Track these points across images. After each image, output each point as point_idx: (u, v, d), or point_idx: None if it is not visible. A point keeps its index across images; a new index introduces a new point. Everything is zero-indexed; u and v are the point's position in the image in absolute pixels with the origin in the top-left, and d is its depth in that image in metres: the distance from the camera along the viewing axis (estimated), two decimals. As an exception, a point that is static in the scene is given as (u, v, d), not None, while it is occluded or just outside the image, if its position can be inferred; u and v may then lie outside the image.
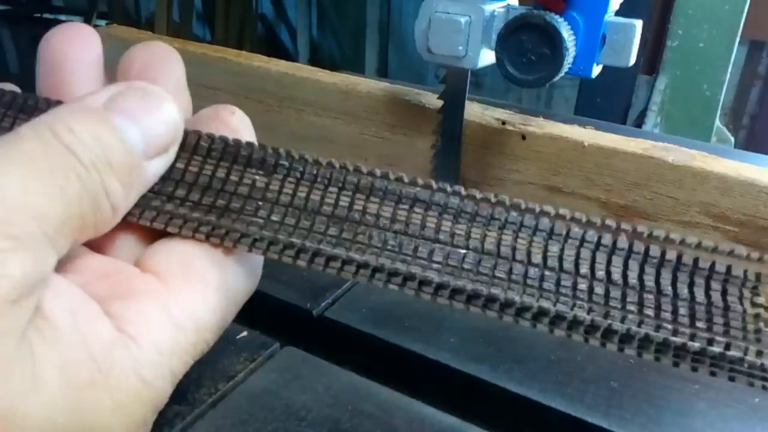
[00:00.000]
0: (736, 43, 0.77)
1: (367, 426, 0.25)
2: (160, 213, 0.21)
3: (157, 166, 0.21)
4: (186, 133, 0.22)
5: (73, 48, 0.24)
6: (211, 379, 0.27)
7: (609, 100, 0.94)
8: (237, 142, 0.22)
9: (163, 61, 0.23)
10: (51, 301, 0.17)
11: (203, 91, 0.50)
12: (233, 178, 0.22)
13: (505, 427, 0.28)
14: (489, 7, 0.36)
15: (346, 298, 0.33)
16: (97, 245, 0.21)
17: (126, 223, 0.21)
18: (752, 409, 0.28)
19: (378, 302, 0.33)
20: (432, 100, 0.43)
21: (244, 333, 0.29)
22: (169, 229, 0.21)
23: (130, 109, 0.20)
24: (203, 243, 0.21)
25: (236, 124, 0.23)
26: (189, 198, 0.22)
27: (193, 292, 0.20)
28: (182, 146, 0.22)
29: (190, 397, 0.25)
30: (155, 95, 0.21)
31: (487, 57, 0.38)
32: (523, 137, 0.40)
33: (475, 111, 0.42)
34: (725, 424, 0.27)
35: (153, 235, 0.22)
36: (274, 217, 0.21)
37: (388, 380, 0.29)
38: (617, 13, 0.38)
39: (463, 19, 0.36)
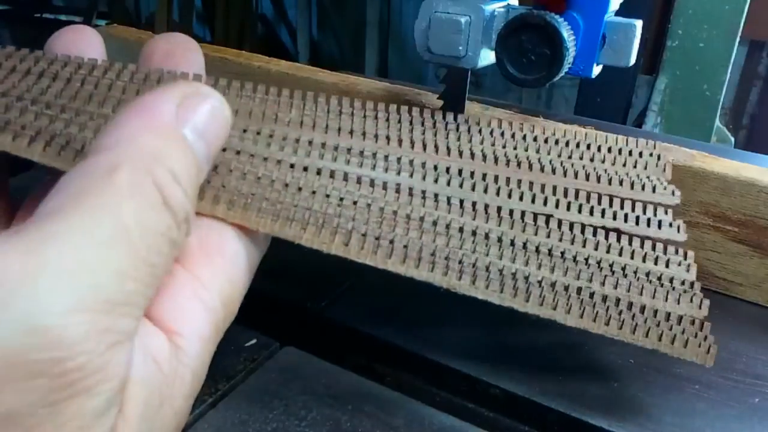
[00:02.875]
0: (736, 43, 0.77)
1: (367, 426, 0.25)
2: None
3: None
4: None
5: (79, 49, 0.24)
6: (211, 379, 0.27)
7: (609, 100, 0.93)
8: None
9: (185, 51, 0.23)
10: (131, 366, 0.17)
11: (203, 91, 0.49)
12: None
13: (505, 427, 0.28)
14: (489, 7, 0.36)
15: (346, 298, 0.33)
16: None
17: None
18: (752, 409, 0.28)
19: (378, 302, 0.33)
20: (432, 100, 0.43)
21: (254, 341, 0.29)
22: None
23: (199, 122, 0.19)
24: (208, 218, 0.21)
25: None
26: None
27: (214, 269, 0.20)
28: None
29: (190, 397, 0.25)
30: (218, 101, 0.20)
31: (487, 57, 0.38)
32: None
33: (475, 111, 0.42)
34: (725, 424, 0.27)
35: None
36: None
37: (388, 380, 0.29)
38: (617, 13, 0.38)
39: (463, 19, 0.36)
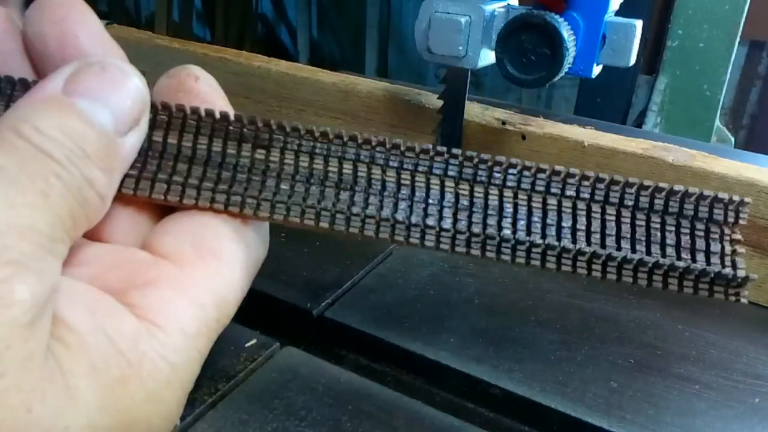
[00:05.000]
0: (736, 43, 0.77)
1: (367, 426, 0.25)
2: (172, 185, 0.21)
3: (133, 141, 0.20)
4: (169, 109, 0.22)
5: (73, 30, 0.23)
6: (211, 379, 0.27)
7: (609, 100, 0.93)
8: (225, 115, 0.22)
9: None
10: (67, 306, 0.17)
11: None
12: (230, 151, 0.22)
13: (505, 427, 0.28)
14: (489, 7, 0.36)
15: (346, 298, 0.33)
16: (100, 233, 0.21)
17: (126, 206, 0.21)
18: (752, 409, 0.28)
19: (378, 302, 0.33)
20: (432, 100, 0.43)
21: (254, 341, 0.29)
22: (185, 202, 0.21)
23: (91, 88, 0.19)
24: (209, 217, 0.21)
25: (205, 91, 0.23)
26: (192, 172, 0.22)
27: (208, 270, 0.20)
28: (168, 123, 0.22)
29: (190, 397, 0.25)
30: (114, 68, 0.20)
31: (487, 57, 0.38)
32: (523, 137, 0.40)
33: (475, 111, 0.42)
34: (725, 424, 0.27)
35: (155, 214, 0.22)
36: (283, 186, 0.22)
37: (388, 380, 0.29)
38: (617, 13, 0.38)
39: (463, 19, 0.36)
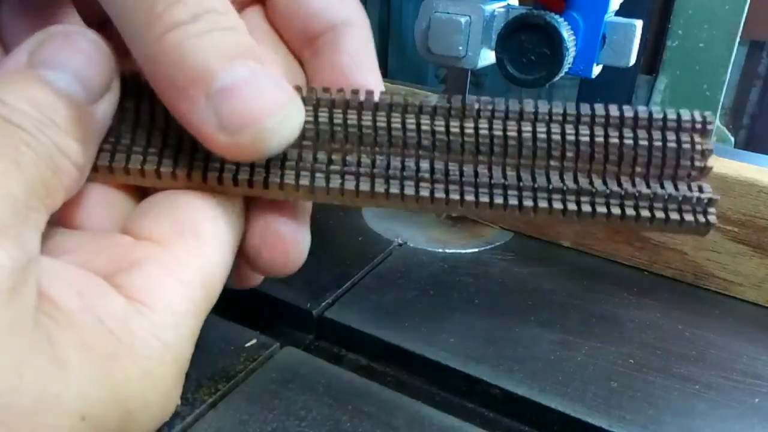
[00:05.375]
0: (736, 43, 0.77)
1: (367, 426, 0.25)
2: (148, 156, 0.21)
3: (106, 107, 0.20)
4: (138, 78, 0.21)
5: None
6: (211, 379, 0.27)
7: (609, 100, 0.93)
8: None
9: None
10: (54, 285, 0.17)
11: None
12: None
13: (505, 427, 0.28)
14: (489, 7, 0.36)
15: (346, 298, 0.33)
16: (79, 221, 0.21)
17: (103, 192, 0.21)
18: (752, 409, 0.28)
19: (378, 302, 0.33)
20: (432, 100, 0.43)
21: (254, 341, 0.29)
22: (162, 170, 0.21)
23: (55, 57, 0.19)
24: (186, 196, 0.21)
25: None
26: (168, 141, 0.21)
27: (190, 248, 0.20)
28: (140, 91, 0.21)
29: (190, 397, 0.25)
30: (77, 35, 0.19)
31: (487, 57, 0.38)
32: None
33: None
34: (725, 424, 0.27)
35: (132, 198, 0.22)
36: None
37: (388, 380, 0.29)
38: (617, 13, 0.38)
39: (463, 19, 0.36)
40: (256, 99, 0.18)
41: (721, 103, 0.81)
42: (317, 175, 0.21)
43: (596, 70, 0.38)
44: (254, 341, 0.29)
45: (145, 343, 0.18)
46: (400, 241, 0.39)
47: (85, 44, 0.19)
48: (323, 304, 0.32)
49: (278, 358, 0.29)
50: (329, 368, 0.28)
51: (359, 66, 0.24)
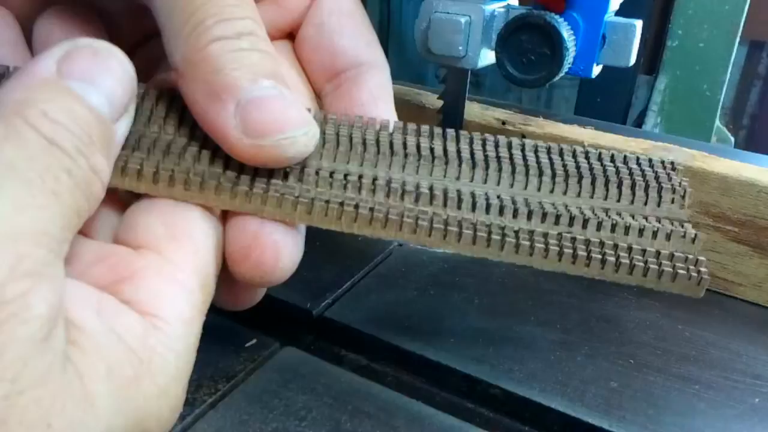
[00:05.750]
0: (736, 43, 0.77)
1: (367, 426, 0.25)
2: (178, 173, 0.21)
3: (123, 128, 0.20)
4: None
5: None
6: (211, 379, 0.27)
7: (609, 100, 0.93)
8: None
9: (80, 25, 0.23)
10: (75, 308, 0.17)
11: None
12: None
13: (505, 427, 0.28)
14: (489, 7, 0.36)
15: (346, 298, 0.33)
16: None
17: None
18: (752, 409, 0.28)
19: (378, 302, 0.33)
20: (432, 100, 0.43)
21: (254, 341, 0.29)
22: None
23: (85, 71, 0.18)
24: (171, 201, 0.21)
25: None
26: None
27: (186, 252, 0.20)
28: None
29: (190, 397, 0.25)
30: (105, 52, 0.19)
31: (487, 57, 0.38)
32: (523, 137, 0.40)
33: (475, 111, 0.42)
34: (725, 424, 0.27)
35: (118, 207, 0.22)
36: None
37: (388, 380, 0.29)
38: (617, 13, 0.38)
39: (463, 19, 0.36)
40: (282, 113, 0.20)
41: (721, 103, 0.81)
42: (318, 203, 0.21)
43: (596, 70, 0.38)
44: (254, 341, 0.29)
45: (162, 359, 0.18)
46: (400, 241, 0.39)
47: (113, 62, 0.19)
48: (323, 304, 0.32)
49: (278, 358, 0.29)
50: (329, 368, 0.28)
51: (377, 101, 0.25)
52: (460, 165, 0.23)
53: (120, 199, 0.22)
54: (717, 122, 0.82)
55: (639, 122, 0.88)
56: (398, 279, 0.35)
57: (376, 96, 0.25)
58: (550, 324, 0.32)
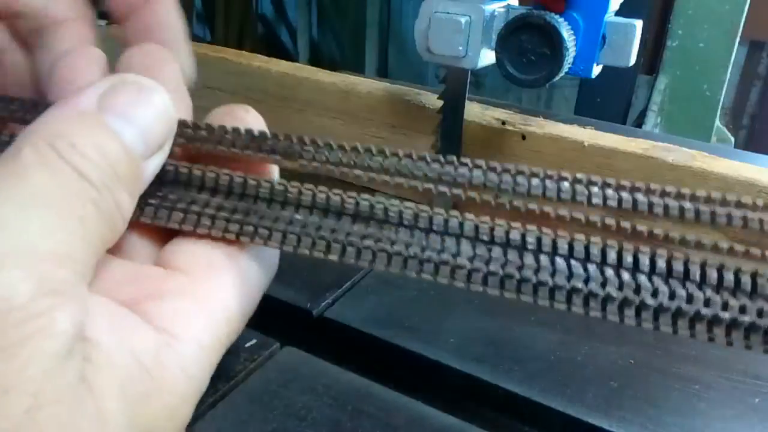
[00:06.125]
0: (736, 43, 0.77)
1: (367, 426, 0.25)
2: (187, 214, 0.21)
3: (155, 165, 0.20)
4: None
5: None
6: (211, 379, 0.27)
7: (609, 100, 0.94)
8: (263, 134, 0.22)
9: (160, 62, 0.23)
10: (91, 324, 0.17)
11: (203, 91, 0.50)
12: (251, 182, 0.22)
13: (505, 427, 0.28)
14: (489, 7, 0.37)
15: (346, 298, 0.33)
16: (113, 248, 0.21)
17: (139, 227, 0.21)
18: (752, 409, 0.28)
19: (378, 302, 0.33)
20: (432, 100, 0.43)
21: (254, 341, 0.29)
22: (199, 231, 0.21)
23: (124, 107, 0.19)
24: (218, 240, 0.21)
25: (251, 121, 0.23)
26: (211, 198, 0.22)
27: (221, 284, 0.20)
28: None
29: (190, 397, 0.25)
30: (148, 88, 0.20)
31: (487, 57, 0.38)
32: (523, 137, 0.40)
33: (475, 111, 0.42)
34: (725, 424, 0.27)
35: (162, 237, 0.22)
36: (298, 216, 0.21)
37: (388, 380, 0.29)
38: (617, 13, 0.38)
39: (463, 19, 0.36)
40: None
41: (721, 103, 0.81)
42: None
43: (596, 70, 0.38)
44: (254, 341, 0.29)
45: (174, 378, 0.18)
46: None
47: (156, 100, 0.20)
48: (323, 304, 0.32)
49: (278, 358, 0.29)
50: (329, 368, 0.28)
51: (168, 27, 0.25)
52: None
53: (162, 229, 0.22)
54: (717, 122, 0.82)
55: (639, 122, 0.88)
56: (398, 279, 0.35)
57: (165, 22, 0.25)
58: (550, 324, 0.32)
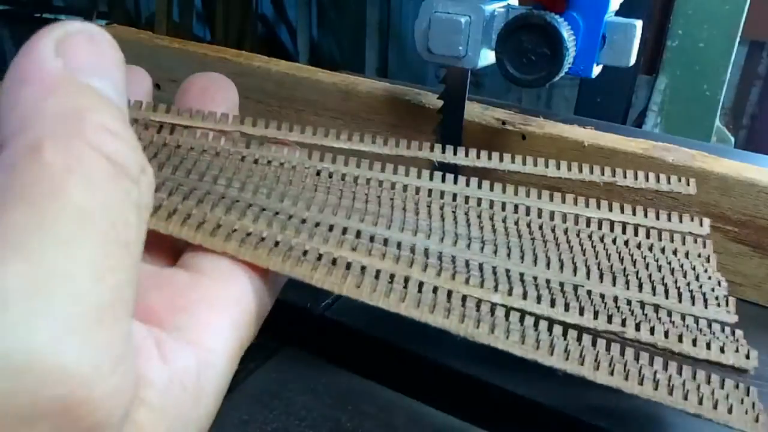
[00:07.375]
0: (736, 43, 0.77)
1: (367, 426, 0.25)
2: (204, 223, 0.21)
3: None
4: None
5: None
6: (211, 379, 0.27)
7: (609, 100, 0.93)
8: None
9: (219, 89, 0.24)
10: (142, 358, 0.15)
11: (203, 91, 0.50)
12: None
13: (506, 427, 0.28)
14: (489, 7, 0.37)
15: (346, 298, 0.33)
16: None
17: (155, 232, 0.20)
18: (752, 409, 0.28)
19: (378, 302, 0.33)
20: (432, 100, 0.43)
21: (254, 341, 0.29)
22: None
23: (86, 61, 0.15)
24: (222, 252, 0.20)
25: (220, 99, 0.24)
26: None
27: (242, 287, 0.20)
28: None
29: (190, 397, 0.25)
30: (99, 34, 0.16)
31: (487, 57, 0.38)
32: (523, 137, 0.40)
33: (475, 111, 0.42)
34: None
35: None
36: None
37: (388, 380, 0.29)
38: (617, 13, 0.38)
39: (463, 19, 0.36)
40: None
41: (721, 103, 0.81)
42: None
43: (596, 70, 0.38)
44: (254, 341, 0.29)
45: (207, 397, 0.17)
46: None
47: (98, 38, 0.16)
48: (323, 304, 0.32)
49: (278, 358, 0.29)
50: (329, 368, 0.28)
51: None
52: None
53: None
54: (717, 122, 0.82)
55: (639, 122, 0.88)
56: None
57: None
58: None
